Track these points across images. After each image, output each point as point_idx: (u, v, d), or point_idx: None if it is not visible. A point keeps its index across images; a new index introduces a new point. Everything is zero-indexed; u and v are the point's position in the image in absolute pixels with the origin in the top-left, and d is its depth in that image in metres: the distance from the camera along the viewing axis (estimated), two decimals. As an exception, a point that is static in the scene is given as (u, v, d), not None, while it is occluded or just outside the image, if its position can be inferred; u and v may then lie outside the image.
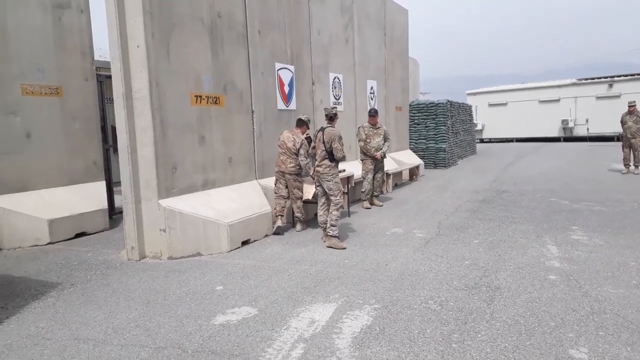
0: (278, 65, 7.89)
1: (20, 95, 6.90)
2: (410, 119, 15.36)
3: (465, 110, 19.77)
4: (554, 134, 27.95)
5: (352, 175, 8.48)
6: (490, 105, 29.64)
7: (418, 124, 16.36)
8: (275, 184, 7.18)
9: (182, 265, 5.55)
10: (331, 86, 9.71)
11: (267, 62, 7.61)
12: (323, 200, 6.49)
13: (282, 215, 7.05)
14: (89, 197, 7.60)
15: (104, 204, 7.78)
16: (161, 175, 5.84)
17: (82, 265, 5.71)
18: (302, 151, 6.97)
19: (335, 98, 9.89)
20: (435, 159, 15.89)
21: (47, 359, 3.38)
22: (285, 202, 7.12)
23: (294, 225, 7.35)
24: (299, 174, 7.12)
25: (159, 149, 5.81)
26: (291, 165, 7.02)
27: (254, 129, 7.34)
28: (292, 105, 8.27)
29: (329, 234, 6.24)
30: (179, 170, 6.08)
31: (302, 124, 7.23)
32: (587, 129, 26.71)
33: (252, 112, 7.30)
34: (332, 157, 6.34)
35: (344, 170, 7.67)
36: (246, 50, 7.15)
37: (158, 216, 5.85)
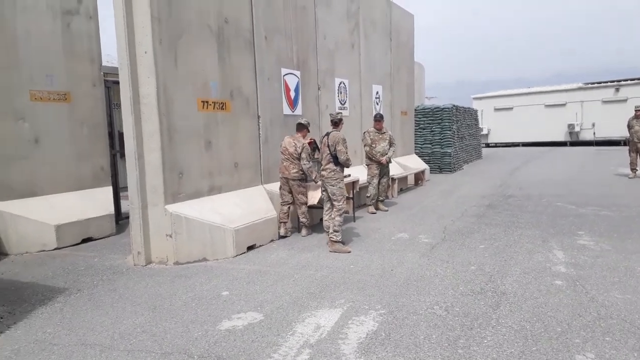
0: (284, 71, 7.92)
1: (29, 101, 6.95)
2: (415, 123, 15.36)
3: (470, 115, 19.76)
4: (560, 138, 27.87)
5: (358, 180, 8.49)
6: (496, 109, 29.61)
7: (424, 129, 16.36)
8: (280, 190, 7.20)
9: (188, 271, 5.57)
10: (337, 91, 9.74)
11: (273, 68, 7.65)
12: (328, 205, 6.51)
13: (284, 223, 7.06)
14: (96, 202, 7.64)
15: (110, 209, 7.82)
16: (168, 181, 5.87)
17: (88, 271, 5.74)
18: (304, 155, 6.98)
19: (341, 103, 9.92)
20: (440, 163, 15.87)
21: (55, 363, 3.41)
22: (289, 208, 7.14)
23: (299, 230, 7.36)
24: (303, 179, 7.13)
25: (166, 154, 5.84)
26: (294, 170, 7.03)
27: (260, 134, 7.37)
28: (298, 111, 8.30)
29: (332, 239, 6.25)
30: (186, 176, 6.12)
31: (302, 127, 7.22)
32: (594, 133, 26.61)
33: (259, 117, 7.33)
34: (337, 161, 6.35)
35: (349, 175, 7.69)
36: (252, 56, 7.19)
37: (164, 221, 5.88)
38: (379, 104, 11.74)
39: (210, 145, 6.48)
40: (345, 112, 9.79)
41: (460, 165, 16.82)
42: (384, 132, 9.08)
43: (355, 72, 10.57)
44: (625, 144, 17.60)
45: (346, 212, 6.69)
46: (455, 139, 16.49)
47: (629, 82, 26.00)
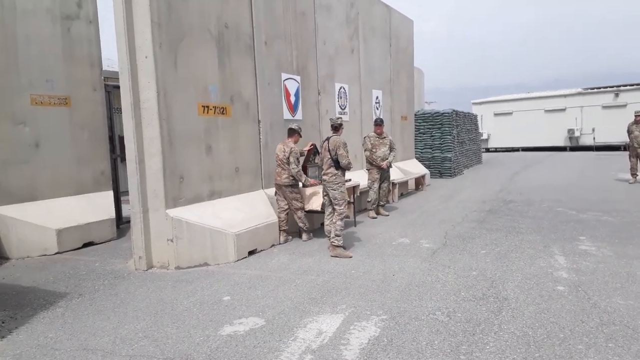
0: (284, 76, 7.94)
1: (30, 105, 6.97)
2: (415, 128, 15.38)
3: (470, 120, 19.79)
4: (560, 143, 27.89)
5: (358, 185, 8.49)
6: (496, 114, 29.64)
7: (424, 134, 16.37)
8: (275, 196, 7.19)
9: (190, 275, 5.56)
10: (337, 96, 9.75)
11: (273, 73, 7.66)
12: (330, 209, 6.51)
13: (284, 231, 7.06)
14: (97, 206, 7.64)
15: (111, 213, 7.82)
16: (168, 185, 5.87)
17: (90, 275, 5.73)
18: (291, 159, 6.95)
19: (341, 108, 9.93)
20: (441, 168, 15.88)
21: (56, 369, 3.39)
22: (287, 214, 7.13)
23: (299, 235, 7.35)
24: (294, 184, 7.10)
25: (167, 159, 5.85)
26: (285, 176, 7.00)
27: (260, 138, 7.38)
28: (298, 115, 8.31)
29: (333, 243, 6.24)
30: (186, 180, 6.11)
31: (293, 132, 7.20)
32: (594, 138, 26.64)
33: (259, 122, 7.34)
34: (338, 165, 6.36)
35: (350, 180, 7.68)
36: (253, 61, 7.20)
37: (165, 226, 5.87)
38: (379, 108, 11.75)
39: (211, 150, 6.48)
40: (345, 117, 9.80)
41: (460, 170, 16.83)
42: (385, 137, 9.09)
43: (355, 77, 10.59)
44: (625, 149, 17.63)
45: (347, 216, 6.68)
46: (455, 143, 16.50)
47: (628, 87, 26.04)
